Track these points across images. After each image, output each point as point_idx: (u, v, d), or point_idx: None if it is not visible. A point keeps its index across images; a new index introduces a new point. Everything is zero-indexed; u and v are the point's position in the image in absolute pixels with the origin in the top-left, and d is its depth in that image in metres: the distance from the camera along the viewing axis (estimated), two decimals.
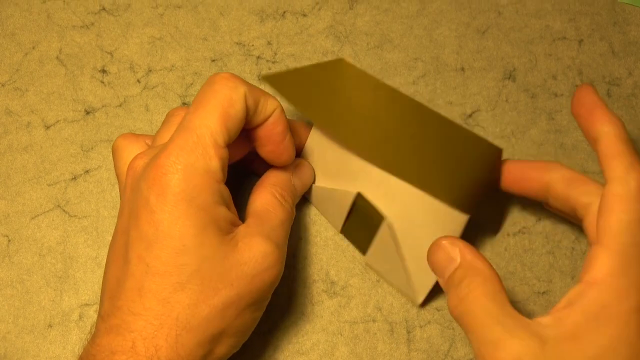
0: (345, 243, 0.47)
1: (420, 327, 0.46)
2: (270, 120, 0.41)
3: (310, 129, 0.46)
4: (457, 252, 0.38)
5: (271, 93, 0.42)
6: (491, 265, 0.38)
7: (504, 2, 0.52)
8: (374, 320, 0.46)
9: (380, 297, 0.47)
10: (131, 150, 0.41)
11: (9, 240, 0.48)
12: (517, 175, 0.42)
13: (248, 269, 0.38)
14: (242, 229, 0.39)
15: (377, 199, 0.43)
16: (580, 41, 0.51)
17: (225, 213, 0.38)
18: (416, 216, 0.42)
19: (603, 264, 0.35)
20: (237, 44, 0.51)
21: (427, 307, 0.46)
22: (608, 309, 0.34)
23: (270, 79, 0.42)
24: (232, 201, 0.40)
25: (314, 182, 0.46)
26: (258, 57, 0.51)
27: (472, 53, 0.51)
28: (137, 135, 0.43)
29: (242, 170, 0.48)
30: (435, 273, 0.40)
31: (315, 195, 0.47)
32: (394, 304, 0.46)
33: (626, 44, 0.51)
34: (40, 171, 0.49)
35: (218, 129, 0.37)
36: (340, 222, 0.46)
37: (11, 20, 0.51)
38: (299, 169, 0.45)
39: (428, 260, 0.40)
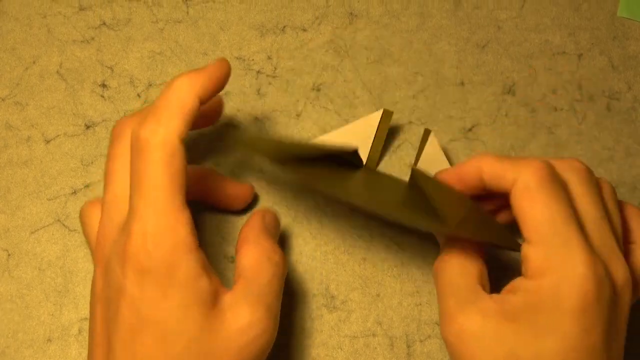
0: (345, 257, 0.47)
1: (421, 341, 0.46)
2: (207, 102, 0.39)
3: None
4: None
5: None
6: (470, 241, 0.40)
7: (503, 16, 0.52)
8: (374, 335, 0.46)
9: (380, 311, 0.47)
10: (97, 217, 0.40)
11: (9, 255, 0.48)
12: (454, 178, 0.41)
13: (236, 342, 0.36)
14: (228, 297, 0.37)
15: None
16: (580, 55, 0.51)
17: (207, 285, 0.36)
18: None
19: (532, 260, 0.36)
20: (237, 58, 0.51)
21: (428, 322, 0.46)
22: (543, 302, 0.35)
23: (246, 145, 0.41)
24: (209, 265, 0.37)
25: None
26: (258, 72, 0.51)
27: (472, 67, 0.51)
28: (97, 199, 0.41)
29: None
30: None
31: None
32: (394, 318, 0.46)
33: (626, 58, 0.51)
34: (40, 185, 0.49)
35: (169, 191, 0.35)
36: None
37: (12, 35, 0.52)
38: (267, 214, 0.43)
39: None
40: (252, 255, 0.39)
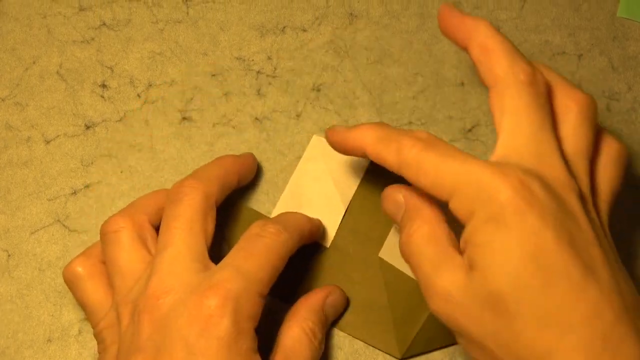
0: None
1: None
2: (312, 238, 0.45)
3: None
4: (402, 198, 0.40)
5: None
6: (435, 205, 0.38)
7: (503, 17, 0.52)
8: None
9: None
10: (95, 278, 0.42)
11: (9, 255, 0.48)
12: (445, 24, 0.41)
13: None
14: None
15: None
16: (580, 56, 0.51)
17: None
18: None
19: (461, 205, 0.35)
20: (237, 58, 0.51)
21: None
22: (490, 225, 0.34)
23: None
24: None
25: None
26: (258, 72, 0.51)
27: (472, 68, 0.51)
28: (89, 257, 0.43)
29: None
30: (392, 220, 0.41)
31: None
32: None
33: (625, 58, 0.51)
34: (40, 186, 0.49)
35: (267, 283, 0.38)
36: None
37: (11, 35, 0.52)
38: (333, 299, 0.44)
39: (382, 209, 0.41)
40: (295, 333, 0.41)
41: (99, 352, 0.41)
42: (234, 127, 0.50)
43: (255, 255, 0.38)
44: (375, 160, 0.39)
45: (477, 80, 0.51)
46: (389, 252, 0.46)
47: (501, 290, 0.33)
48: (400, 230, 0.39)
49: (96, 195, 0.49)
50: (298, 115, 0.50)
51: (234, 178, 0.44)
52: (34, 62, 0.51)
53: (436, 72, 0.51)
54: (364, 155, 0.40)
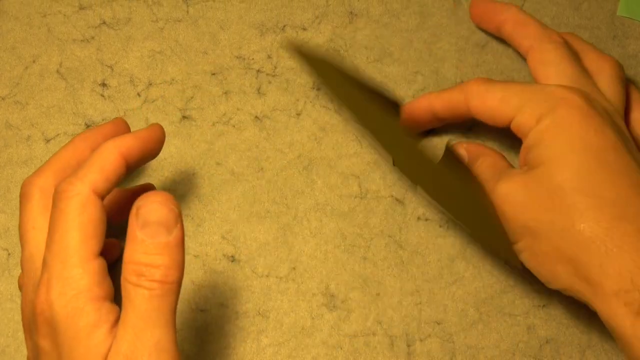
0: (345, 256, 0.47)
1: (421, 340, 0.46)
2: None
3: None
4: (464, 150, 0.46)
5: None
6: (491, 149, 0.47)
7: None
8: (374, 334, 0.46)
9: (380, 310, 0.47)
10: (45, 208, 0.38)
11: (9, 254, 0.48)
12: (479, 12, 0.50)
13: None
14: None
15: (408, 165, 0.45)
16: None
17: (102, 337, 0.34)
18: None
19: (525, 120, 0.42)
20: (237, 57, 0.51)
21: (428, 321, 0.46)
22: (552, 131, 0.41)
23: (295, 47, 0.44)
24: (111, 316, 0.35)
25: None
26: (258, 71, 0.51)
27: (472, 67, 0.51)
28: (48, 173, 0.39)
29: None
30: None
31: (365, 131, 0.49)
32: (394, 317, 0.46)
33: (625, 57, 0.51)
34: None
35: (78, 244, 0.35)
36: (389, 159, 0.48)
37: (11, 34, 0.52)
38: (143, 213, 0.34)
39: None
40: (124, 292, 0.35)
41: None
42: (234, 126, 0.50)
43: (58, 227, 0.35)
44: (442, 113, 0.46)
45: None
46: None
47: (563, 182, 0.39)
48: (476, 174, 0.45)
49: None
50: (298, 114, 0.50)
51: (118, 159, 0.37)
52: (34, 61, 0.51)
53: (436, 71, 0.51)
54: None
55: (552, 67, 0.44)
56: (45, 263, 0.35)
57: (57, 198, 0.36)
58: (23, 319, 0.39)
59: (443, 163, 0.42)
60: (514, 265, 0.42)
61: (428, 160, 0.42)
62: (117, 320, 0.35)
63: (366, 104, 0.43)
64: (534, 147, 0.41)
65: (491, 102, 0.43)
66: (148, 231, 0.34)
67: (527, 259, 0.42)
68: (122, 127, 0.42)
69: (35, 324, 0.35)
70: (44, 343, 0.35)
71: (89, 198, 0.35)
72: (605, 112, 0.41)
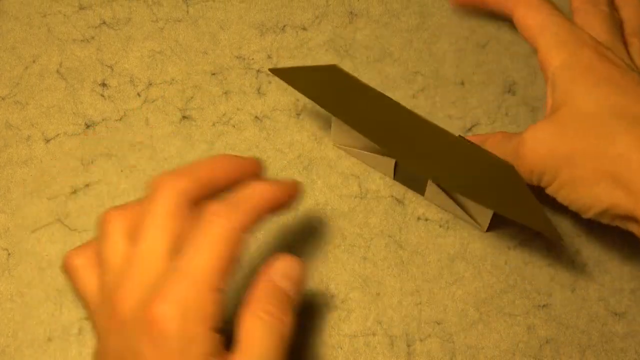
0: (345, 256, 0.47)
1: (421, 340, 0.46)
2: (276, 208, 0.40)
3: None
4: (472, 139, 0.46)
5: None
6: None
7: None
8: (374, 334, 0.46)
9: (380, 310, 0.47)
10: (92, 270, 0.39)
11: (9, 254, 0.48)
12: None
13: None
14: None
15: (416, 159, 0.45)
16: None
17: None
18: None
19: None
20: (237, 57, 0.51)
21: (428, 321, 0.46)
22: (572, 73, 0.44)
23: (278, 72, 0.44)
24: (223, 348, 0.36)
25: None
26: (258, 71, 0.51)
27: (472, 67, 0.51)
28: (87, 249, 0.41)
29: None
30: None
31: (357, 155, 0.48)
32: (394, 317, 0.46)
33: None
34: (40, 185, 0.49)
35: (222, 274, 0.36)
36: (390, 174, 0.48)
37: (12, 34, 0.52)
38: (284, 268, 0.40)
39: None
40: (246, 322, 0.37)
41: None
42: (234, 126, 0.50)
43: (204, 247, 0.36)
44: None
45: (477, 79, 0.51)
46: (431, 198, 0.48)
47: (594, 109, 0.41)
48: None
49: (96, 194, 0.49)
50: (298, 114, 0.50)
51: (268, 207, 0.40)
52: (34, 61, 0.51)
53: (436, 71, 0.51)
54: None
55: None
56: (173, 276, 0.36)
57: (208, 220, 0.37)
58: (106, 308, 0.38)
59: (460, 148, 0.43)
60: (551, 236, 0.42)
61: (447, 137, 0.42)
62: (225, 352, 0.36)
63: (371, 98, 0.43)
64: (559, 84, 0.43)
65: (531, 21, 0.45)
66: (287, 284, 0.39)
67: (567, 193, 0.42)
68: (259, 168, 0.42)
69: (145, 330, 0.35)
70: (147, 349, 0.35)
71: (239, 236, 0.37)
72: (623, 63, 0.44)
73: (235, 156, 0.42)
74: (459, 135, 0.43)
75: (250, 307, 0.37)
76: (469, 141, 0.43)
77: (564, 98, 0.43)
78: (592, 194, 0.41)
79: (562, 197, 0.43)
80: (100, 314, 0.39)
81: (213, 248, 0.36)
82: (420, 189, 0.48)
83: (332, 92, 0.43)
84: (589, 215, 0.42)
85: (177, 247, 0.37)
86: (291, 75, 0.44)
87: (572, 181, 0.41)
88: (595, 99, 0.42)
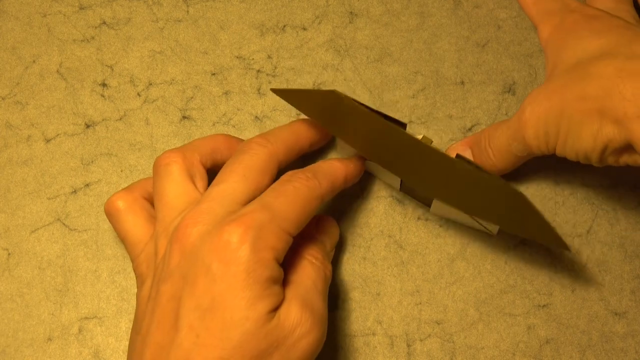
0: (345, 256, 0.47)
1: (421, 340, 0.46)
2: (347, 185, 0.45)
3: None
4: (467, 153, 0.47)
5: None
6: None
7: (503, 15, 0.52)
8: (373, 334, 0.46)
9: (380, 310, 0.47)
10: (136, 212, 0.43)
11: (9, 254, 0.48)
12: None
13: (285, 338, 0.38)
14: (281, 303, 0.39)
15: (420, 181, 0.44)
16: None
17: (279, 291, 0.38)
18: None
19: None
20: (237, 57, 0.51)
21: (428, 321, 0.46)
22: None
23: (280, 93, 0.44)
24: (282, 277, 0.40)
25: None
26: (258, 71, 0.51)
27: (472, 67, 0.51)
28: (130, 191, 0.44)
29: None
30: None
31: (368, 165, 0.48)
32: (394, 317, 0.46)
33: None
34: (40, 185, 0.49)
35: (294, 222, 0.39)
36: (397, 182, 0.47)
37: (12, 34, 0.52)
38: (324, 226, 0.45)
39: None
40: (296, 261, 0.42)
41: (137, 286, 0.42)
42: (234, 126, 0.50)
43: (283, 194, 0.40)
44: None
45: (477, 79, 0.51)
46: (438, 210, 0.48)
47: (575, 59, 0.43)
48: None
49: (96, 194, 0.49)
50: (298, 114, 0.50)
51: (305, 143, 0.46)
52: (34, 61, 0.51)
53: (436, 70, 0.51)
54: None
55: None
56: (253, 205, 0.39)
57: (293, 179, 0.41)
58: (141, 241, 0.42)
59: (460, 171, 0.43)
60: (561, 248, 0.42)
61: (449, 163, 0.42)
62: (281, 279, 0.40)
63: (371, 124, 0.43)
64: (549, 53, 0.46)
65: None
66: (325, 238, 0.45)
67: (571, 145, 0.42)
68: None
69: (214, 247, 0.37)
70: (218, 268, 0.37)
71: (317, 200, 0.42)
72: (619, 21, 0.45)
73: (310, 122, 0.46)
74: (461, 159, 0.43)
75: (297, 250, 0.42)
76: (473, 165, 0.43)
77: (555, 61, 0.44)
78: (589, 136, 0.41)
79: (570, 152, 0.43)
80: (148, 252, 0.42)
81: (295, 199, 0.40)
82: (426, 202, 0.48)
83: (333, 115, 0.44)
84: (595, 160, 0.42)
85: (254, 197, 0.41)
86: (293, 96, 0.45)
87: (571, 131, 0.41)
88: (581, 49, 0.43)
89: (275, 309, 0.38)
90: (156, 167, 0.43)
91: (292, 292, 0.39)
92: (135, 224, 0.43)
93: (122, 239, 0.43)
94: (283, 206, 0.39)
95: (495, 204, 0.42)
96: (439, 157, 0.42)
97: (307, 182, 0.41)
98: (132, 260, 0.43)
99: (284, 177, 0.41)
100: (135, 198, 0.43)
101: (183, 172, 0.42)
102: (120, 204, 0.43)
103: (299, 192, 0.40)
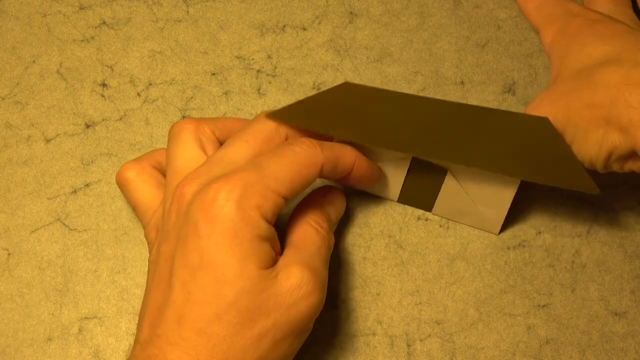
0: (345, 256, 0.47)
1: (421, 340, 0.46)
2: (354, 173, 0.44)
3: None
4: None
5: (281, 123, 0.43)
6: None
7: (503, 15, 0.52)
8: (373, 334, 0.46)
9: (380, 310, 0.47)
10: (144, 180, 0.43)
11: (9, 254, 0.48)
12: None
13: (284, 298, 0.38)
14: (280, 261, 0.39)
15: (437, 148, 0.44)
16: None
17: (268, 249, 0.39)
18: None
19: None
20: (237, 57, 0.51)
21: (428, 321, 0.46)
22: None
23: (276, 115, 0.42)
24: (278, 242, 0.40)
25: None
26: (258, 71, 0.51)
27: (472, 67, 0.51)
28: (139, 161, 0.44)
29: None
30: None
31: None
32: (394, 317, 0.46)
33: None
34: (40, 185, 0.49)
35: (285, 183, 0.39)
36: (396, 191, 0.47)
37: (12, 34, 0.52)
38: (331, 197, 0.46)
39: None
40: (301, 227, 0.42)
41: (149, 252, 0.42)
42: None
43: (279, 156, 0.40)
44: None
45: (477, 79, 0.51)
46: (442, 208, 0.48)
47: (579, 66, 0.43)
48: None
49: (96, 194, 0.49)
50: None
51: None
52: (34, 61, 0.51)
53: (436, 71, 0.51)
54: None
55: None
56: (246, 164, 0.39)
57: (298, 144, 0.41)
58: (151, 208, 0.43)
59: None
60: (589, 190, 0.42)
61: (473, 111, 0.42)
62: (276, 237, 0.40)
63: (391, 100, 0.42)
64: (553, 58, 0.46)
65: (530, 4, 0.50)
66: (330, 208, 0.45)
67: (577, 151, 0.42)
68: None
69: (203, 211, 0.37)
70: (204, 227, 0.37)
71: (318, 169, 0.41)
72: (622, 26, 0.45)
73: None
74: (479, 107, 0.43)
75: (302, 216, 0.43)
76: (491, 109, 0.42)
77: (560, 67, 0.45)
78: (594, 143, 0.41)
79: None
80: (157, 218, 0.42)
81: (291, 162, 0.40)
82: (427, 205, 0.48)
83: (342, 113, 0.43)
84: (600, 166, 0.42)
85: None
86: (292, 113, 0.43)
87: (577, 137, 0.42)
88: (585, 55, 0.43)
89: (268, 267, 0.38)
90: (170, 134, 0.43)
91: (295, 256, 0.40)
92: (144, 192, 0.43)
93: (134, 207, 0.44)
94: (276, 167, 0.39)
95: (518, 148, 0.42)
96: (463, 109, 0.42)
97: (308, 148, 0.41)
98: (144, 228, 0.43)
99: (287, 141, 0.42)
100: (144, 167, 0.44)
101: (193, 139, 0.42)
102: (130, 173, 0.44)
103: (297, 155, 0.40)
